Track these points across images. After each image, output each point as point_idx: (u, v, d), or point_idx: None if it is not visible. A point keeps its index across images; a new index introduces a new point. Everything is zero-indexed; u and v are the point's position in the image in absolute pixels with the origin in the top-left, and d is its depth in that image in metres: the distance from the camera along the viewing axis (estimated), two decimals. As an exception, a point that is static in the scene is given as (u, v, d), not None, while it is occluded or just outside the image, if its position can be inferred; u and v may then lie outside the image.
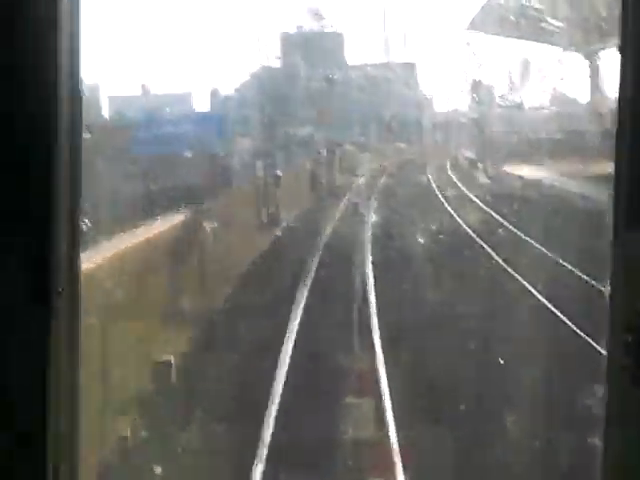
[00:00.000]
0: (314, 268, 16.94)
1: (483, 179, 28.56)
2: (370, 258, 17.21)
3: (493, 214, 20.75)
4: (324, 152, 33.48)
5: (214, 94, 24.95)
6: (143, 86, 20.45)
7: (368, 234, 20.77)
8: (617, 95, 2.31)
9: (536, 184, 22.49)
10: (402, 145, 57.64)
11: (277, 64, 27.84)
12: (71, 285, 2.30)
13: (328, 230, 21.94)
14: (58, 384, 2.27)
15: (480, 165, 38.88)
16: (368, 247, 18.39)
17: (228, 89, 25.11)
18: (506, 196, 22.38)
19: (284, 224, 23.27)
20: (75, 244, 2.36)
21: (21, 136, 2.17)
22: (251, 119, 26.78)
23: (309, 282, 15.67)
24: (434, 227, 18.87)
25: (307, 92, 29.26)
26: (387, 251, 17.13)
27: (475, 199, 24.00)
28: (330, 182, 32.86)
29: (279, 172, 25.51)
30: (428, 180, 35.55)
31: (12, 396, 2.22)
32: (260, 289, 14.89)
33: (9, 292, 2.23)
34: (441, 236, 17.97)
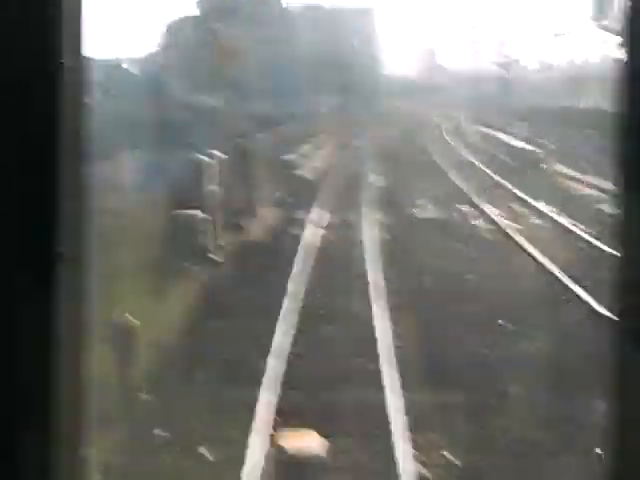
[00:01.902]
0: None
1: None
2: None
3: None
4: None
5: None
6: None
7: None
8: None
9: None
10: (375, 124, 39.74)
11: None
12: (74, 247, 2.15)
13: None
14: (60, 352, 2.09)
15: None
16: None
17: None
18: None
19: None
20: (80, 205, 2.18)
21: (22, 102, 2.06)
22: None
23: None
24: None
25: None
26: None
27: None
28: (232, 241, 11.87)
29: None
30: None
31: (14, 365, 2.03)
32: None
33: (11, 255, 2.05)
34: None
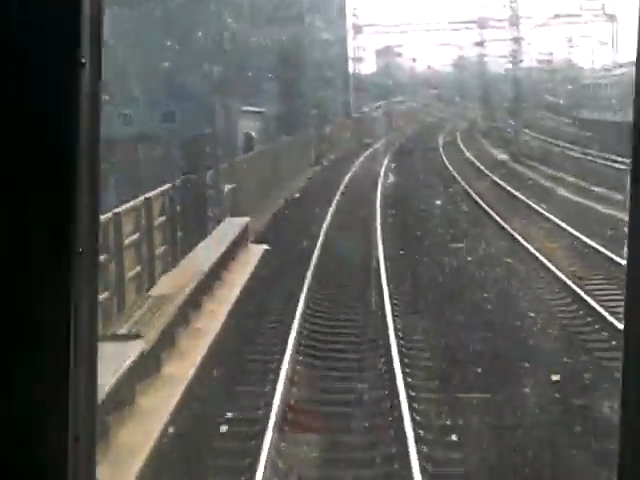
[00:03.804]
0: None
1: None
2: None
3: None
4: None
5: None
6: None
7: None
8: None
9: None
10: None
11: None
12: (91, 246, 2.31)
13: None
14: (77, 349, 2.26)
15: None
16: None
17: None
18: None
19: None
20: (95, 204, 2.31)
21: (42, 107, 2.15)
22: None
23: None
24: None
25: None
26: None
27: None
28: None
29: None
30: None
31: (33, 360, 2.20)
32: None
33: (29, 254, 2.19)
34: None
